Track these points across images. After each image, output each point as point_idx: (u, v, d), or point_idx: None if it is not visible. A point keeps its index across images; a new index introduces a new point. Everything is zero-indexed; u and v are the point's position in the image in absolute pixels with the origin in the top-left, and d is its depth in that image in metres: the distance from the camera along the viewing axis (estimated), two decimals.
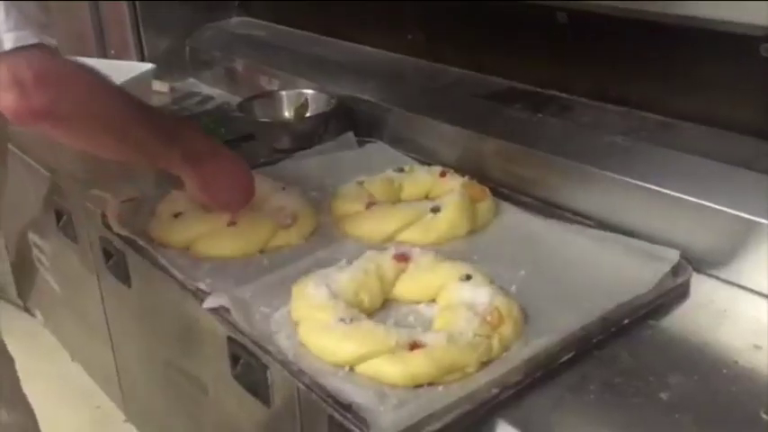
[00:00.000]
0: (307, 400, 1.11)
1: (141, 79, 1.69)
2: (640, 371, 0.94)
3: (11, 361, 1.43)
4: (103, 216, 1.32)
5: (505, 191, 1.36)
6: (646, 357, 0.98)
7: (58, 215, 1.81)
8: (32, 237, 2.07)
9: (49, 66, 0.96)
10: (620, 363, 0.96)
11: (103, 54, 2.13)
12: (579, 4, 1.25)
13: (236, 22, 2.23)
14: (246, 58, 2.04)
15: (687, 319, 1.06)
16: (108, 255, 1.61)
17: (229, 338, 1.20)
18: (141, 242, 1.25)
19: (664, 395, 0.90)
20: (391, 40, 1.78)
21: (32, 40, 0.94)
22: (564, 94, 1.44)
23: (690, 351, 0.99)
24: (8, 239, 2.28)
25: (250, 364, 1.19)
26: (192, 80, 2.15)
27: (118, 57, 2.13)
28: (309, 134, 1.61)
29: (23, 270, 2.30)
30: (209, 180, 1.18)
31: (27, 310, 2.39)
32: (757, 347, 0.98)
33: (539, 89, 1.48)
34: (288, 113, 1.70)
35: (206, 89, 2.10)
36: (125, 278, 1.56)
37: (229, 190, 1.20)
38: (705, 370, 0.95)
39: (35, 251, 2.09)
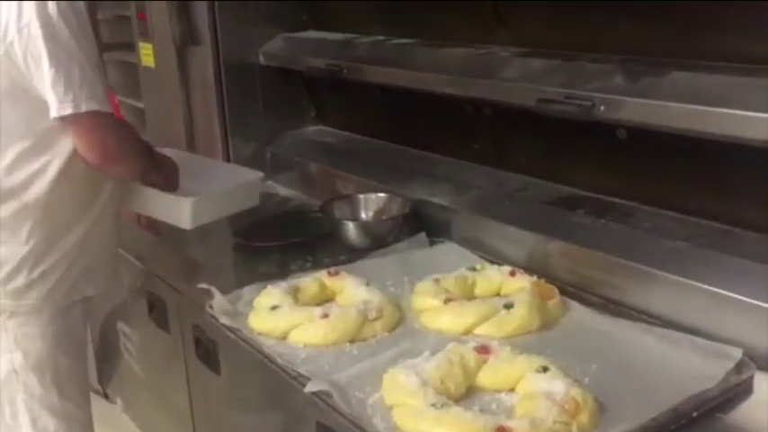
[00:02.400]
0: None
1: (254, 183, 1.89)
2: None
3: None
4: (209, 306, 1.45)
5: (572, 290, 1.47)
6: None
7: (151, 305, 1.97)
8: (121, 325, 2.23)
9: (112, 129, 1.49)
10: None
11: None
12: (636, 122, 1.38)
13: (313, 131, 2.43)
14: (322, 163, 2.23)
15: (752, 413, 1.13)
16: (199, 343, 1.75)
17: (318, 423, 1.31)
18: (243, 331, 1.38)
19: None
20: (459, 149, 1.94)
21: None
22: (624, 201, 1.56)
23: None
24: (92, 327, 2.43)
25: None
26: (270, 183, 2.33)
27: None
28: (385, 234, 1.75)
29: (106, 357, 2.45)
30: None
31: (106, 396, 2.52)
32: None
33: (600, 196, 1.60)
34: (365, 215, 1.86)
35: (283, 191, 2.27)
36: (215, 366, 1.68)
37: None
38: None
39: (122, 339, 2.23)
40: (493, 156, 1.85)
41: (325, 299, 1.49)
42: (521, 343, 1.31)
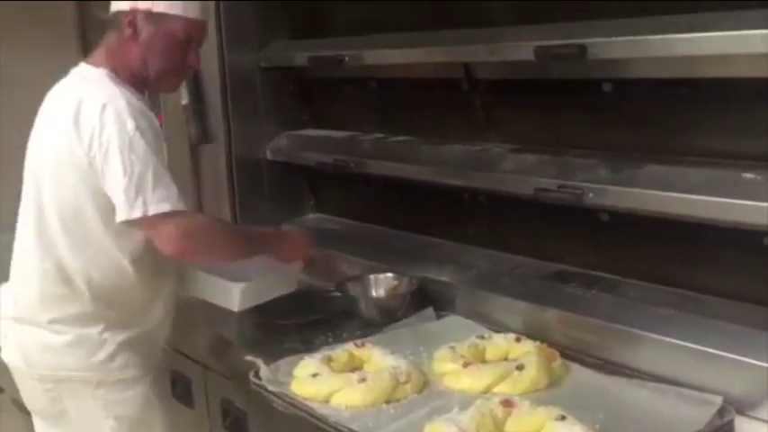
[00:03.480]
0: None
1: (294, 271, 2.11)
2: None
3: None
4: (255, 376, 1.61)
5: (570, 352, 1.68)
6: None
7: (174, 382, 2.09)
8: None
9: (190, 224, 1.64)
10: None
11: None
12: (618, 206, 1.64)
13: (313, 218, 2.65)
14: (325, 248, 2.43)
15: None
16: (226, 415, 1.89)
17: None
18: (289, 396, 1.54)
19: None
20: (457, 233, 2.17)
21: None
22: (610, 275, 1.81)
23: None
24: None
25: None
26: None
27: None
28: (397, 310, 1.95)
29: None
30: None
31: None
32: None
33: (588, 271, 1.84)
34: (375, 293, 2.05)
35: None
36: None
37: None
38: None
39: None
40: (488, 239, 2.09)
41: (354, 367, 1.67)
42: (533, 399, 1.50)
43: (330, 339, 1.86)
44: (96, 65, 1.70)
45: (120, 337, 1.69)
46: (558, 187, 1.65)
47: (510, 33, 1.76)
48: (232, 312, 2.03)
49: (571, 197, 1.62)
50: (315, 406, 1.51)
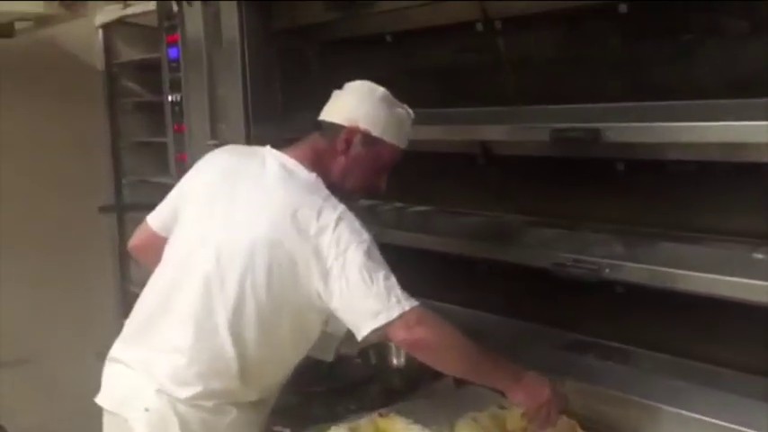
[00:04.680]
0: None
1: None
2: None
3: None
4: None
5: (588, 423, 1.72)
6: None
7: None
8: None
9: (425, 318, 1.55)
10: None
11: None
12: (633, 281, 1.70)
13: None
14: None
15: None
16: None
17: None
18: None
19: None
20: (472, 300, 2.23)
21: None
22: (624, 345, 1.86)
23: None
24: None
25: None
26: None
27: None
28: (417, 379, 2.00)
29: None
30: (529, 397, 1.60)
31: None
32: None
33: (604, 341, 1.90)
34: (396, 361, 2.11)
35: None
36: None
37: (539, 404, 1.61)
38: None
39: None
40: (505, 307, 2.15)
41: None
42: None
43: (353, 408, 1.90)
44: (300, 161, 1.67)
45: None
46: (575, 262, 1.72)
47: (526, 114, 1.86)
48: None
49: (587, 272, 1.69)
50: None
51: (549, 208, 2.00)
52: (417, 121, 1.85)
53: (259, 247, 1.57)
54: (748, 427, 1.48)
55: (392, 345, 2.13)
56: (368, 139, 1.71)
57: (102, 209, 3.52)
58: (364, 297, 1.52)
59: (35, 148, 3.40)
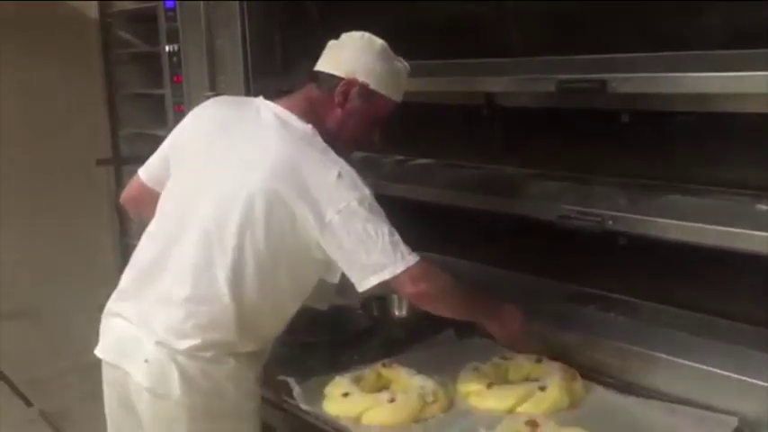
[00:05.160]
0: None
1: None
2: None
3: None
4: (287, 395, 1.68)
5: (590, 373, 1.74)
6: None
7: None
8: None
9: (428, 271, 1.60)
10: None
11: None
12: (637, 233, 1.70)
13: None
14: None
15: None
16: None
17: None
18: (322, 414, 1.61)
19: None
20: (475, 253, 2.24)
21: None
22: (626, 297, 1.87)
23: None
24: None
25: None
26: None
27: None
28: (419, 330, 2.02)
29: None
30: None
31: None
32: None
33: (606, 293, 1.91)
34: (398, 313, 2.12)
35: None
36: None
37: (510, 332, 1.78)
38: None
39: None
40: (508, 259, 2.15)
41: (381, 386, 1.73)
42: (555, 419, 1.56)
43: (356, 358, 1.92)
44: (294, 112, 1.66)
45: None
46: (579, 214, 1.72)
47: (532, 66, 1.83)
48: None
49: (592, 224, 1.69)
50: (346, 424, 1.58)
51: (553, 160, 1.99)
52: (421, 73, 1.83)
53: (258, 199, 1.56)
54: (749, 377, 1.50)
55: (394, 296, 2.15)
56: (365, 91, 1.69)
57: (100, 162, 3.49)
58: (369, 251, 1.54)
59: (30, 100, 3.36)
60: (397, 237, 1.57)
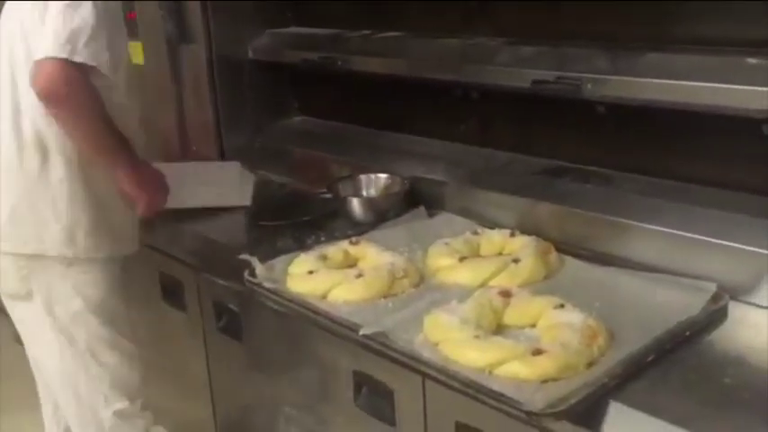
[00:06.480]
0: (434, 414, 1.39)
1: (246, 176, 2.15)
2: (705, 367, 1.25)
3: None
4: (250, 274, 1.60)
5: (564, 246, 1.68)
6: (706, 358, 1.28)
7: (164, 287, 2.09)
8: None
9: (81, 83, 1.58)
10: (688, 362, 1.27)
11: (186, 147, 2.47)
12: (617, 96, 1.60)
13: (298, 121, 2.59)
14: (313, 149, 2.39)
15: (728, 333, 1.37)
16: (220, 316, 1.89)
17: (354, 372, 1.48)
18: (286, 293, 1.54)
19: (727, 380, 1.20)
20: (446, 131, 2.13)
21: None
22: (604, 169, 1.79)
23: (736, 354, 1.30)
24: None
25: (376, 391, 1.47)
26: (262, 172, 2.46)
27: (197, 152, 2.47)
28: (389, 209, 1.93)
29: None
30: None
31: None
32: None
33: (582, 166, 1.83)
34: (367, 193, 2.03)
35: (276, 178, 2.41)
36: (238, 336, 1.83)
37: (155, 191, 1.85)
38: (751, 364, 1.26)
39: None
40: (480, 136, 2.05)
41: (349, 264, 1.66)
42: (529, 291, 1.51)
43: (323, 238, 1.84)
44: None
45: (82, 220, 1.74)
46: (557, 79, 1.61)
47: None
48: (220, 215, 2.02)
49: (569, 88, 1.59)
50: (312, 302, 1.51)
51: (531, 26, 1.86)
52: None
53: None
54: (731, 240, 1.45)
55: (362, 177, 2.06)
56: None
57: None
58: (50, 30, 1.55)
59: None
60: (98, 36, 1.57)
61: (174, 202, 1.93)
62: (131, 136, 1.78)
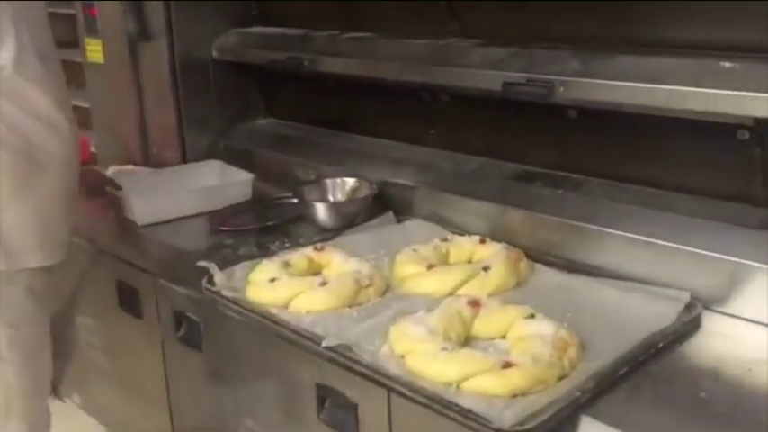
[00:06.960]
0: (399, 428, 1.33)
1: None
2: (679, 379, 1.21)
3: None
4: (208, 282, 1.53)
5: (535, 254, 1.64)
6: (680, 370, 1.24)
7: (121, 293, 2.00)
8: (82, 319, 2.23)
9: None
10: (661, 374, 1.23)
11: (145, 150, 2.38)
12: (589, 99, 1.56)
13: (264, 123, 2.52)
14: (279, 152, 2.32)
15: (702, 343, 1.34)
16: (179, 325, 1.81)
17: (318, 385, 1.42)
18: (245, 301, 1.47)
19: (702, 394, 1.16)
20: (416, 134, 2.08)
21: None
22: (575, 175, 1.75)
23: (711, 365, 1.26)
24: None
25: (340, 405, 1.41)
26: None
27: (159, 154, 2.39)
28: (356, 214, 1.87)
29: (57, 354, 2.42)
30: None
31: (57, 394, 2.49)
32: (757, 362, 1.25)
33: (553, 171, 1.78)
34: (333, 198, 1.97)
35: None
36: (197, 345, 1.76)
37: None
38: (726, 376, 1.22)
39: (84, 333, 2.23)
40: (450, 140, 2.00)
41: (313, 272, 1.60)
42: (500, 299, 1.46)
43: (287, 244, 1.78)
44: None
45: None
46: (528, 81, 1.57)
47: None
48: (181, 220, 1.94)
49: (541, 91, 1.54)
50: (273, 311, 1.44)
51: (502, 27, 1.81)
52: None
53: None
54: (704, 249, 1.42)
55: (328, 181, 2.00)
56: None
57: None
58: None
59: None
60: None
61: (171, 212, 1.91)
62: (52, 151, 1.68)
